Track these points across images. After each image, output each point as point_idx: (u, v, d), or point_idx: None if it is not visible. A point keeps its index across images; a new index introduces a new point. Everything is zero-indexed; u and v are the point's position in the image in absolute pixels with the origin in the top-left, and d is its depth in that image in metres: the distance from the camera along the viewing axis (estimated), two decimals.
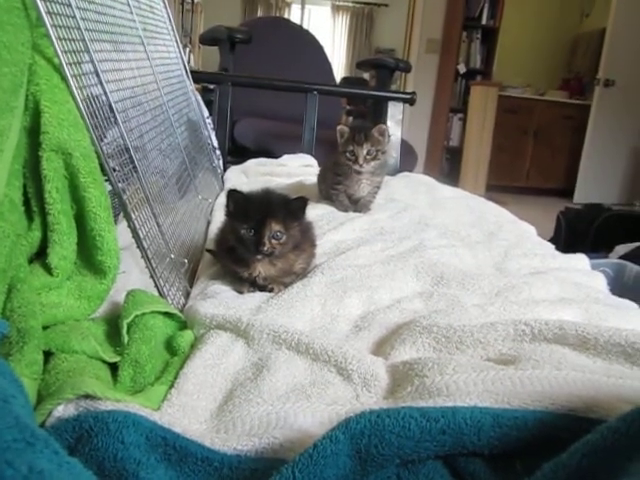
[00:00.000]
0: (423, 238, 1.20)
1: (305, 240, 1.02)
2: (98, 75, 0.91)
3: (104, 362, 0.70)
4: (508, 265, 1.05)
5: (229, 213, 0.97)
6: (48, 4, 0.76)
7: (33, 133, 0.75)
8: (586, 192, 5.26)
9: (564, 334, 0.68)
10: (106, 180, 1.04)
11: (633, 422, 0.46)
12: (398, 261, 1.02)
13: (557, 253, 1.16)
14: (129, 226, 0.85)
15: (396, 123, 2.16)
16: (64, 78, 0.77)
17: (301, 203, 0.95)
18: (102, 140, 0.93)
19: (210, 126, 1.97)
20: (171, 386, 0.67)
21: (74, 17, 0.86)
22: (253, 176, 1.92)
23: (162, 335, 0.79)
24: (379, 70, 2.66)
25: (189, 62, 6.12)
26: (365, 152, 1.39)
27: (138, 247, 0.86)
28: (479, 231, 1.28)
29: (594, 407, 0.56)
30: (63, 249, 0.76)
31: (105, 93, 0.92)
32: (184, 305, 0.97)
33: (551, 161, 5.78)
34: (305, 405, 0.64)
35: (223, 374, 0.70)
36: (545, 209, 4.75)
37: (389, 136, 1.50)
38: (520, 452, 0.56)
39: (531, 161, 5.80)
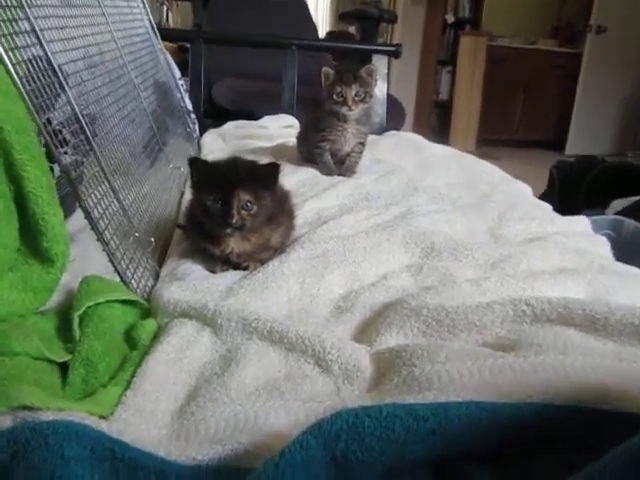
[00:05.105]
0: (412, 204, 1.11)
1: (282, 212, 0.94)
2: (36, 34, 0.80)
3: (53, 362, 0.63)
4: (503, 231, 0.97)
5: (193, 184, 0.88)
6: None
7: None
8: (578, 143, 5.15)
9: (569, 314, 0.60)
10: (65, 153, 0.95)
11: None
12: (384, 230, 0.94)
13: (555, 215, 1.08)
14: (80, 206, 0.76)
15: (382, 78, 2.03)
16: None
17: (273, 170, 0.86)
18: (49, 109, 0.83)
19: (183, 88, 1.85)
20: (127, 387, 0.60)
21: None
22: (231, 140, 1.81)
23: (121, 326, 0.71)
24: (363, 22, 2.52)
25: (167, 20, 5.85)
26: (354, 93, 1.32)
27: (92, 229, 0.77)
28: (471, 193, 1.19)
29: (606, 397, 0.49)
30: (1, 237, 0.66)
31: (46, 54, 0.81)
32: (152, 287, 0.89)
33: (542, 112, 5.63)
34: (278, 403, 0.56)
35: (187, 370, 0.63)
36: (536, 162, 4.65)
37: (376, 80, 1.41)
38: (523, 451, 0.49)
39: (521, 113, 5.64)
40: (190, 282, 0.80)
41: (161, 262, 0.97)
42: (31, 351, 0.60)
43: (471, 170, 1.40)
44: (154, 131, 1.30)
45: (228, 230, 0.84)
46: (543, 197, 3.20)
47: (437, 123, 5.76)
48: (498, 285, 0.70)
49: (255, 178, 0.84)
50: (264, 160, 1.51)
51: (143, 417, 0.56)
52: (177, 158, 1.43)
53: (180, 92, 1.79)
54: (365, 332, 0.68)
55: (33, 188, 0.67)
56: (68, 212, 0.92)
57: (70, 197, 0.88)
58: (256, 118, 2.08)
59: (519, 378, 0.53)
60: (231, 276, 0.85)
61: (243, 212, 0.83)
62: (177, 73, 1.83)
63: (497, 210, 1.06)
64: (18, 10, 0.77)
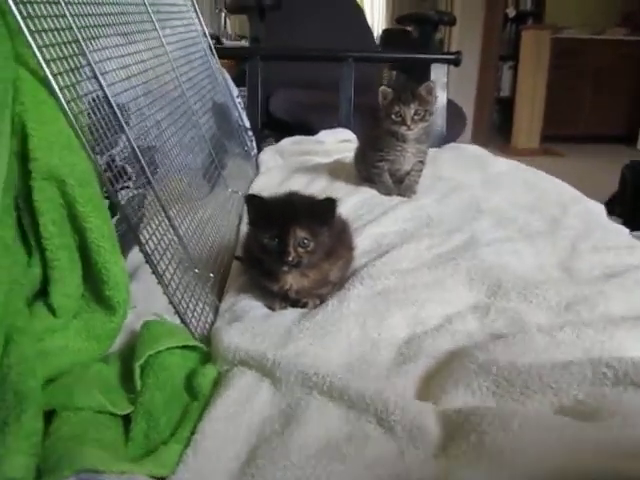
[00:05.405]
0: (475, 229, 1.06)
1: (340, 245, 0.91)
2: (98, 79, 0.81)
3: (116, 414, 0.63)
4: (576, 264, 0.91)
5: (250, 221, 0.88)
6: (24, 7, 0.65)
7: (24, 159, 0.66)
8: None
9: None
10: (126, 187, 0.96)
11: None
12: (447, 264, 0.90)
13: (634, 244, 1.00)
14: (141, 250, 0.76)
15: (441, 87, 1.97)
16: (52, 92, 0.68)
17: (329, 205, 0.84)
18: (111, 148, 0.85)
19: (240, 106, 1.86)
20: (187, 444, 0.59)
21: (64, 16, 0.76)
22: (289, 157, 1.81)
23: (181, 372, 0.71)
24: (421, 25, 2.46)
25: (225, 28, 5.93)
26: (413, 112, 1.28)
27: (153, 272, 0.78)
28: (540, 217, 1.13)
29: None
30: (65, 286, 0.68)
31: (107, 98, 0.82)
32: (213, 322, 0.89)
33: (611, 105, 5.33)
34: (340, 468, 0.55)
35: (247, 425, 0.62)
36: (606, 158, 4.43)
37: (436, 96, 1.36)
38: None
39: (589, 107, 5.36)
40: (249, 323, 0.79)
41: (220, 294, 0.97)
42: (94, 405, 0.61)
43: (539, 188, 1.33)
44: (213, 157, 1.31)
45: (285, 268, 0.82)
46: (614, 200, 3.03)
47: (498, 120, 5.59)
48: (574, 337, 0.65)
49: (311, 214, 0.82)
50: (322, 180, 1.52)
51: (204, 478, 0.56)
52: (235, 181, 1.44)
53: (238, 110, 1.80)
54: (429, 385, 0.65)
55: (95, 238, 0.68)
56: (128, 247, 0.93)
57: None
58: (314, 129, 2.07)
59: (602, 454, 0.49)
60: (290, 315, 0.83)
61: (300, 249, 0.81)
62: (235, 91, 1.84)
63: (569, 238, 0.99)
64: (80, 57, 0.78)
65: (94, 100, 0.82)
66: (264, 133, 2.37)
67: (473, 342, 0.70)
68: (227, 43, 4.45)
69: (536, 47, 4.84)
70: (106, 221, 0.70)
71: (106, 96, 0.82)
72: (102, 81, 0.81)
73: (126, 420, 0.64)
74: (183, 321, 0.81)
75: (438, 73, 1.99)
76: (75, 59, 0.76)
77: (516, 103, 5.10)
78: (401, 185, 1.39)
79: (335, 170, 1.60)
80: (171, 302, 0.80)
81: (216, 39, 3.25)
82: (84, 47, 0.79)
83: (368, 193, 1.39)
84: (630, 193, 2.99)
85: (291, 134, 2.10)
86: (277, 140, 2.05)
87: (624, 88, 5.27)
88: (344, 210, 1.26)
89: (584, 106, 5.34)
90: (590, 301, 0.76)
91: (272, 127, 2.43)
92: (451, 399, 0.61)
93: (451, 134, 2.15)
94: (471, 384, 0.61)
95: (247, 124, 1.85)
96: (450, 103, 2.23)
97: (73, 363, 0.67)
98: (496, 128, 5.57)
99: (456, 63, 2.00)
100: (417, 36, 2.53)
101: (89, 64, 0.80)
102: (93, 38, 0.85)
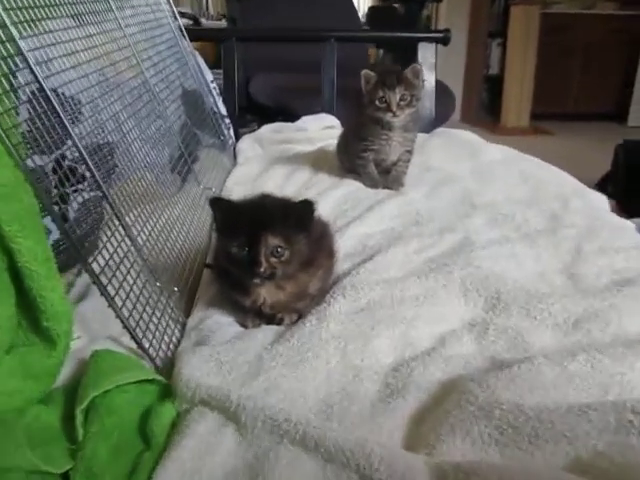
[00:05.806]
0: (469, 228, 0.97)
1: (320, 252, 0.81)
2: (32, 70, 0.70)
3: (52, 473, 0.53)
4: (582, 269, 0.81)
5: (217, 228, 0.78)
6: None
7: None
8: None
9: None
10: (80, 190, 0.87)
11: None
12: (439, 272, 0.80)
13: None
14: (85, 270, 0.66)
15: (429, 67, 1.86)
16: None
17: (306, 208, 0.73)
18: (61, 146, 0.74)
19: (216, 91, 1.73)
20: None
21: None
22: (269, 145, 1.70)
23: (134, 413, 0.61)
24: (407, 3, 2.34)
25: (207, 7, 5.73)
26: (398, 97, 1.18)
27: (102, 294, 0.67)
28: (539, 212, 1.03)
29: None
30: None
31: (44, 91, 0.71)
32: (179, 340, 0.79)
33: (602, 82, 5.22)
34: None
35: None
36: (597, 136, 4.36)
37: (423, 80, 1.26)
38: None
39: (579, 84, 5.25)
40: (215, 349, 0.69)
41: (189, 308, 0.88)
42: (25, 465, 0.51)
43: (536, 179, 1.23)
44: (182, 150, 1.19)
45: (256, 280, 0.72)
46: (607, 179, 2.95)
47: (487, 99, 5.48)
48: (588, 368, 0.56)
49: (286, 219, 0.72)
50: (304, 172, 1.41)
51: None
52: (209, 174, 1.33)
53: (213, 96, 1.68)
54: (421, 428, 0.56)
55: (26, 262, 0.57)
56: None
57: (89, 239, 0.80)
58: (297, 114, 1.96)
59: None
60: (262, 335, 0.74)
61: (273, 259, 0.71)
62: (209, 76, 1.71)
63: (572, 238, 0.90)
64: (8, 45, 0.67)
65: (35, 93, 0.72)
66: (246, 118, 2.26)
67: (470, 370, 0.61)
68: (207, 23, 4.27)
69: (525, 23, 4.72)
70: (40, 242, 0.59)
71: (43, 89, 0.71)
72: (38, 72, 0.70)
73: (66, 477, 0.55)
74: (141, 347, 0.71)
75: (426, 53, 1.88)
76: (3, 46, 0.65)
77: (505, 81, 4.99)
78: (388, 176, 1.29)
79: (318, 160, 1.49)
80: (126, 327, 0.70)
81: (193, 19, 3.10)
82: (13, 32, 0.67)
83: (353, 186, 1.29)
84: (623, 173, 2.91)
85: (273, 119, 1.99)
86: (260, 124, 1.94)
87: (614, 63, 5.17)
88: (327, 205, 1.16)
89: (573, 83, 5.24)
90: (601, 317, 0.67)
91: (253, 112, 2.32)
92: (447, 448, 0.51)
93: (440, 117, 2.04)
94: (470, 431, 0.51)
95: (223, 111, 1.73)
96: (439, 84, 2.12)
97: (5, 410, 0.57)
98: (485, 107, 5.47)
99: (444, 42, 1.88)
100: (403, 13, 2.42)
101: (21, 53, 0.68)
102: (27, 21, 0.73)
